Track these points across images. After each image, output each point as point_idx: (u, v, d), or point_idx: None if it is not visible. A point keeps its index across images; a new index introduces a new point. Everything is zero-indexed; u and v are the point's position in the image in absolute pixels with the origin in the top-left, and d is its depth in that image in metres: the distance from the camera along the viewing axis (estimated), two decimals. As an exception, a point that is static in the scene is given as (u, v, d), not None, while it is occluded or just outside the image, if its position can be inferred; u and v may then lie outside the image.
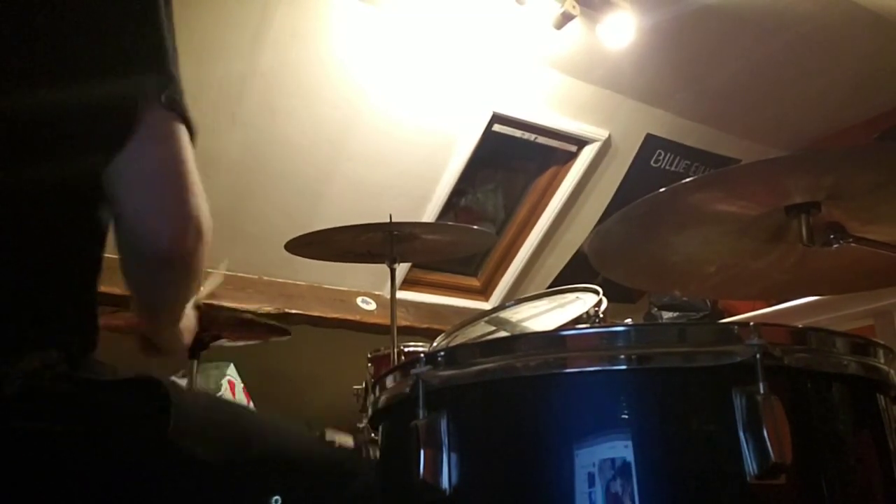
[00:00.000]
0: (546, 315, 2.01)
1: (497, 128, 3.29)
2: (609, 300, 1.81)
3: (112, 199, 0.80)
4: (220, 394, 2.81)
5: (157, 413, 0.80)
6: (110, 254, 0.91)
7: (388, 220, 2.15)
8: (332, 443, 1.01)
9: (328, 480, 0.92)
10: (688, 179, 1.02)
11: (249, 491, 0.86)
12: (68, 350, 0.81)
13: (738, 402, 0.77)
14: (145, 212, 0.79)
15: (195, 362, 2.21)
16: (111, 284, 0.92)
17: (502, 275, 3.82)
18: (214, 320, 2.24)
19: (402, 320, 3.38)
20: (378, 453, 1.02)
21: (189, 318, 1.09)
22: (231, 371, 2.93)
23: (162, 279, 0.86)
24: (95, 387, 0.81)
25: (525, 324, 2.02)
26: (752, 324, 0.79)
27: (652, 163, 3.69)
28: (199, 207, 0.80)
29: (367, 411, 2.04)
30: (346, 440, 0.95)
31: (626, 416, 0.80)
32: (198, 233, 0.80)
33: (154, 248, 0.80)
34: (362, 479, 0.94)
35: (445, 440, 0.83)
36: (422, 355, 0.88)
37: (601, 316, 1.76)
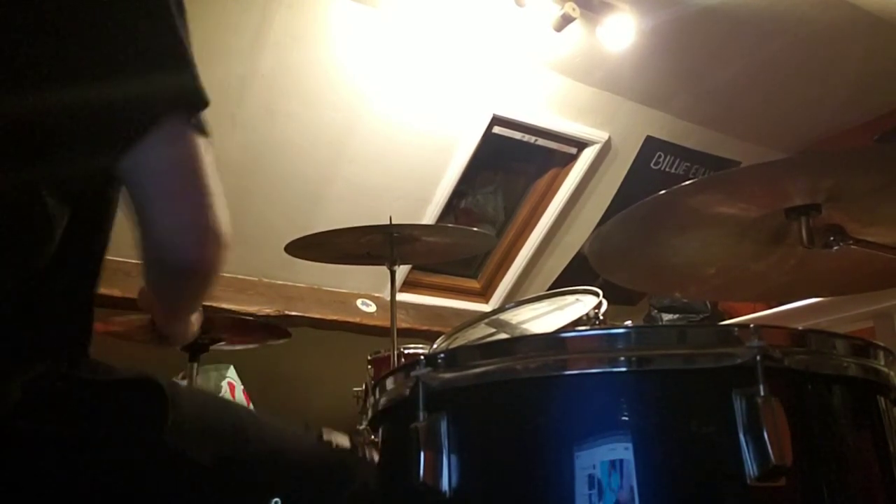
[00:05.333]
0: (546, 317, 2.01)
1: (497, 130, 3.29)
2: (609, 302, 1.81)
3: (134, 209, 0.80)
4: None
5: (155, 413, 0.80)
6: (109, 256, 0.91)
7: (388, 222, 2.15)
8: (329, 443, 1.01)
9: (327, 482, 0.91)
10: (688, 182, 1.02)
11: (248, 492, 0.86)
12: (66, 353, 0.81)
13: (739, 404, 0.77)
14: (166, 225, 0.80)
15: (195, 364, 2.21)
16: (111, 286, 0.92)
17: (502, 277, 3.82)
18: (214, 323, 2.24)
19: (402, 322, 3.37)
20: (378, 455, 1.02)
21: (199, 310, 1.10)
22: (231, 373, 2.92)
23: (183, 286, 0.87)
24: (94, 387, 0.81)
25: (525, 326, 2.02)
26: (752, 326, 0.79)
27: (652, 165, 3.69)
28: (217, 217, 0.80)
29: (366, 413, 2.04)
30: (343, 440, 0.95)
31: (627, 418, 0.80)
32: (218, 243, 0.81)
33: (177, 260, 0.81)
34: (360, 480, 0.94)
35: (445, 442, 0.82)
36: (422, 357, 0.88)
37: (601, 318, 1.76)
